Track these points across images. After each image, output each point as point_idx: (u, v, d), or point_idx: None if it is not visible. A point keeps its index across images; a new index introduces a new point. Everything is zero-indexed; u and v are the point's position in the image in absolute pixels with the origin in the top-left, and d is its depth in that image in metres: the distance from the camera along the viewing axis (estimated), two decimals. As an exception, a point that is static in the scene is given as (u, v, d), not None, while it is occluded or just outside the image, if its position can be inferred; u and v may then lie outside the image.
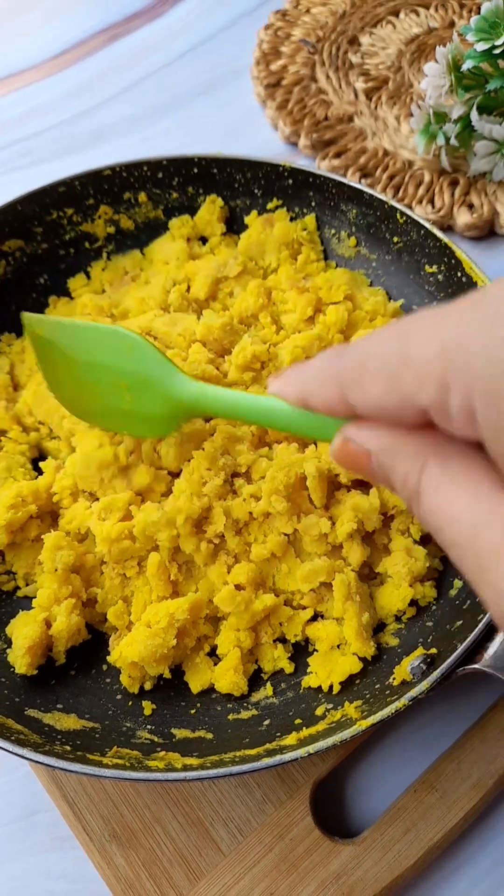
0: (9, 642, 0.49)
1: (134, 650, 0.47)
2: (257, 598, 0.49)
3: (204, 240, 0.67)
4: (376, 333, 0.28)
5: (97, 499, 0.52)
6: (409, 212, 0.60)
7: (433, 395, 0.26)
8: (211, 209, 0.65)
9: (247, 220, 0.66)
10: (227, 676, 0.48)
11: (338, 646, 0.50)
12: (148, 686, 0.49)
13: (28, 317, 0.49)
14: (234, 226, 0.67)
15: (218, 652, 0.50)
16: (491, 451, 0.26)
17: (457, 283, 0.58)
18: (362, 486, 0.52)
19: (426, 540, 0.52)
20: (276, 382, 0.34)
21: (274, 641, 0.50)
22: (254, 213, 0.66)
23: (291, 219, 0.66)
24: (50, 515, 0.54)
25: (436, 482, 0.27)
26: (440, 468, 0.27)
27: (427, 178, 0.76)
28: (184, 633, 0.48)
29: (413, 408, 0.27)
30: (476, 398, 0.25)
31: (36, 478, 0.55)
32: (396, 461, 0.29)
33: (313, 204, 0.65)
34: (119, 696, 0.49)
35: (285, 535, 0.51)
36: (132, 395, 0.46)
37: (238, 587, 0.50)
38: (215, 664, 0.49)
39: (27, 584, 0.53)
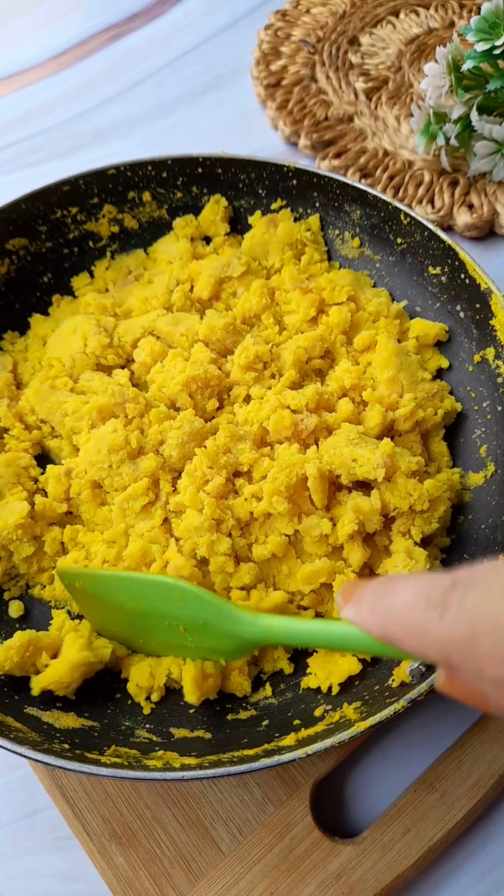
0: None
1: (198, 691, 0.47)
2: (267, 596, 0.50)
3: (208, 239, 0.67)
4: (474, 592, 0.28)
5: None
6: (413, 213, 0.60)
7: (456, 657, 0.27)
8: (215, 209, 0.65)
9: (251, 220, 0.66)
10: (230, 677, 0.48)
11: (338, 647, 0.50)
12: (155, 697, 0.48)
13: (63, 572, 0.48)
14: (237, 226, 0.67)
15: None
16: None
17: (460, 284, 0.58)
18: (363, 487, 0.52)
19: (427, 542, 0.52)
20: (350, 609, 0.33)
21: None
22: (258, 213, 0.66)
23: (295, 219, 0.66)
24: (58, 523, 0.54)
25: None
26: None
27: (427, 178, 0.76)
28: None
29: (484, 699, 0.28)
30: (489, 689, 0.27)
31: (41, 474, 0.55)
32: None
33: (317, 204, 0.65)
34: (118, 695, 0.49)
35: (286, 535, 0.51)
36: (193, 636, 0.45)
37: (243, 588, 0.50)
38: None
39: (28, 587, 0.53)
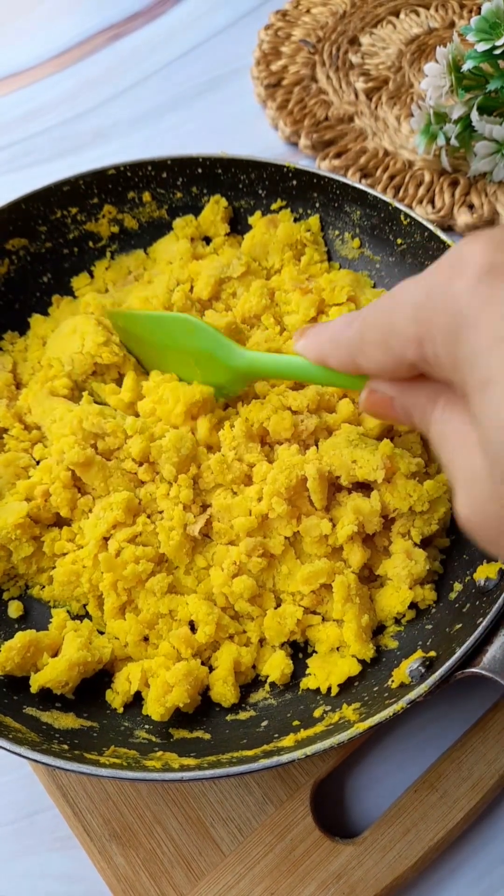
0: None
1: (160, 707, 0.47)
2: (267, 615, 0.50)
3: (208, 240, 0.67)
4: (372, 305, 0.35)
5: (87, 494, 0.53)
6: (413, 213, 0.60)
7: (415, 351, 0.32)
8: (215, 209, 0.65)
9: (251, 220, 0.66)
10: (216, 686, 0.48)
11: (337, 648, 0.50)
12: (166, 717, 0.48)
13: (111, 312, 0.59)
14: (237, 226, 0.67)
15: (213, 663, 0.50)
16: (457, 388, 0.31)
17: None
18: (363, 488, 0.52)
19: (426, 542, 0.52)
20: (299, 342, 0.42)
21: (272, 647, 0.50)
22: (258, 213, 0.66)
23: (295, 220, 0.66)
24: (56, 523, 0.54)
25: (438, 416, 0.34)
26: (443, 406, 0.34)
27: (427, 178, 0.76)
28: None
29: (405, 364, 0.33)
30: (439, 346, 0.30)
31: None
32: (415, 402, 0.35)
33: (317, 205, 0.65)
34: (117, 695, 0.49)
35: (285, 537, 0.51)
36: (201, 368, 0.54)
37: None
38: (211, 671, 0.50)
39: (27, 587, 0.54)
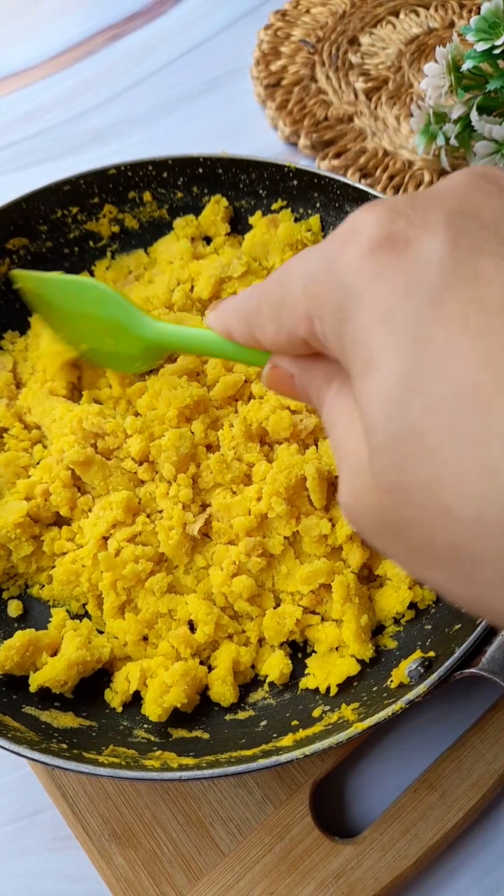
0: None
1: (158, 707, 0.47)
2: (266, 615, 0.50)
3: (208, 240, 0.67)
4: (271, 275, 0.32)
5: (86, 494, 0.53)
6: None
7: (305, 328, 0.29)
8: (215, 209, 0.65)
9: (251, 220, 0.66)
10: (214, 686, 0.48)
11: (336, 648, 0.50)
12: (164, 717, 0.48)
13: (17, 274, 0.56)
14: (238, 226, 0.67)
15: (212, 662, 0.50)
16: (345, 370, 0.28)
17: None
18: None
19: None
20: (209, 315, 0.39)
21: (272, 646, 0.50)
22: (258, 213, 0.66)
23: (296, 220, 0.66)
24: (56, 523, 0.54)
25: (330, 399, 0.31)
26: (337, 388, 0.31)
27: (427, 178, 0.76)
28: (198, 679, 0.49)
29: (298, 340, 0.31)
30: (327, 324, 0.28)
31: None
32: (312, 382, 0.33)
33: (318, 205, 0.65)
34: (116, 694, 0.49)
35: (285, 536, 0.51)
36: (113, 339, 0.51)
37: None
38: (210, 670, 0.50)
39: (27, 586, 0.54)
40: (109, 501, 0.51)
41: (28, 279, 0.55)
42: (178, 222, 0.66)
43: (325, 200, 0.65)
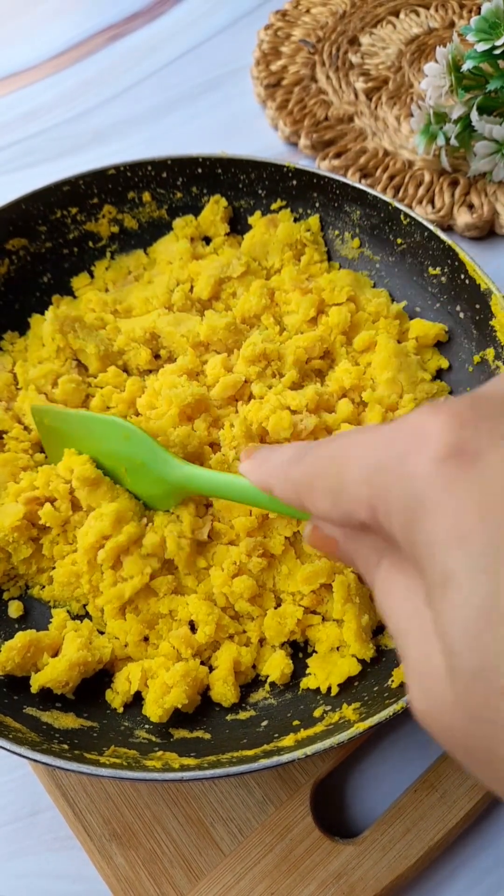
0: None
1: (158, 709, 0.47)
2: (267, 615, 0.50)
3: (207, 240, 0.67)
4: (324, 447, 0.33)
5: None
6: (412, 213, 0.60)
7: (367, 514, 0.29)
8: (214, 209, 0.65)
9: (250, 220, 0.66)
10: (216, 686, 0.48)
11: (337, 647, 0.50)
12: (164, 718, 0.47)
13: (36, 408, 0.55)
14: (237, 226, 0.67)
15: (213, 662, 0.50)
16: (407, 557, 0.28)
17: (460, 285, 0.58)
18: None
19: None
20: (245, 464, 0.40)
21: (272, 646, 0.50)
22: (257, 213, 0.66)
23: (295, 219, 0.66)
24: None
25: (383, 578, 0.31)
26: (387, 567, 0.31)
27: (427, 178, 0.76)
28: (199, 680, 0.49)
29: (356, 521, 0.30)
30: (394, 521, 0.27)
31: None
32: (358, 551, 0.34)
33: (317, 205, 0.65)
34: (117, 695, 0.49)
35: (285, 537, 0.51)
36: (131, 478, 0.51)
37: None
38: (211, 671, 0.49)
39: (27, 587, 0.53)
40: (101, 512, 0.50)
41: (48, 414, 0.54)
42: (178, 222, 0.66)
43: (325, 200, 0.65)
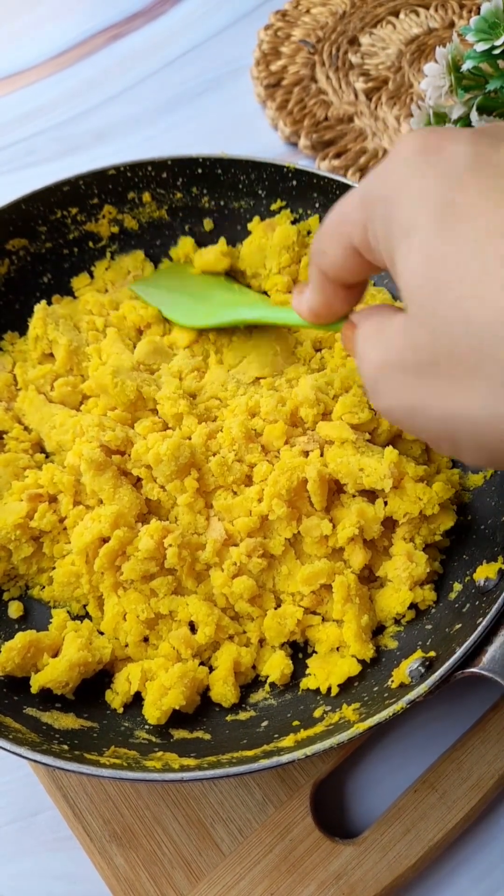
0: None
1: (157, 710, 0.47)
2: (267, 616, 0.50)
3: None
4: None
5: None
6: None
7: (360, 234, 0.35)
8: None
9: (249, 226, 0.66)
10: (215, 687, 0.48)
11: (337, 648, 0.50)
12: (163, 720, 0.47)
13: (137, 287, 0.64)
14: (237, 226, 0.67)
15: (213, 663, 0.50)
16: (387, 266, 0.34)
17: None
18: (368, 493, 0.52)
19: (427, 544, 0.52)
20: (295, 299, 0.45)
21: (272, 647, 0.50)
22: (256, 219, 0.66)
23: (295, 220, 0.66)
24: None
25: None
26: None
27: (427, 178, 0.76)
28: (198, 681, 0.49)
29: (352, 251, 0.37)
30: (378, 223, 0.33)
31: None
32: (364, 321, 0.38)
33: (317, 205, 0.65)
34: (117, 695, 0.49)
35: (286, 538, 0.51)
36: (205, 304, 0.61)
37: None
38: (211, 671, 0.49)
39: (27, 587, 0.54)
40: (99, 514, 0.50)
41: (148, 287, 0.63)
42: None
43: (325, 201, 0.65)
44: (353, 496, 0.52)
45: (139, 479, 0.53)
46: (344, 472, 0.50)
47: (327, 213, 0.38)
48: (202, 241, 0.67)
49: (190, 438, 0.53)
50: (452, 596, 0.50)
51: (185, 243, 0.66)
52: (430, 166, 0.31)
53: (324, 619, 0.51)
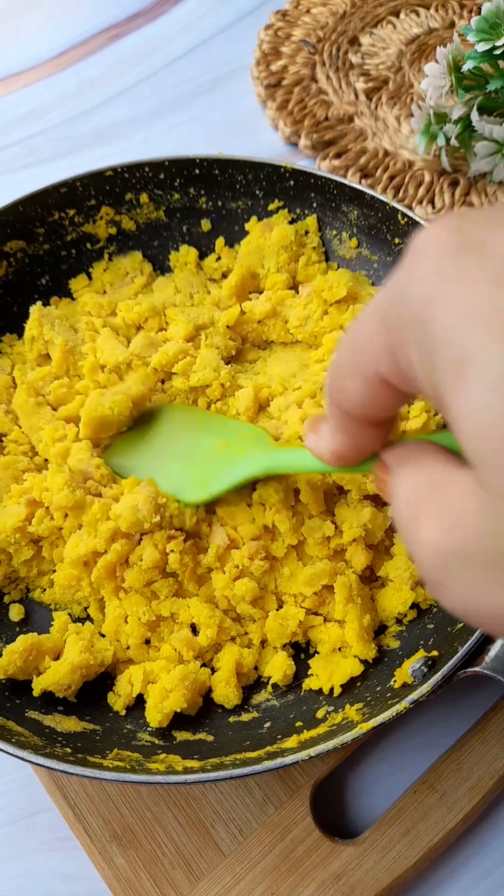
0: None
1: (158, 714, 0.47)
2: (268, 617, 0.50)
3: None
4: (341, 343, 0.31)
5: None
6: (410, 213, 0.60)
7: (388, 363, 0.27)
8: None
9: (247, 227, 0.66)
10: (218, 688, 0.48)
11: (339, 648, 0.50)
12: (165, 723, 0.47)
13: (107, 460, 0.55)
14: (235, 227, 0.67)
15: (215, 664, 0.50)
16: (430, 399, 0.26)
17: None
18: (373, 498, 0.52)
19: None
20: (309, 439, 0.36)
21: (274, 648, 0.50)
22: (253, 219, 0.66)
23: (293, 220, 0.66)
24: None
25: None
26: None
27: (427, 178, 0.76)
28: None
29: (379, 383, 0.28)
30: (411, 347, 0.25)
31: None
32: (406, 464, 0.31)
33: (315, 205, 0.65)
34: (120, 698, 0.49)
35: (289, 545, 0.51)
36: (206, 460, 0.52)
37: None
38: (213, 672, 0.49)
39: (28, 590, 0.54)
40: (96, 529, 0.50)
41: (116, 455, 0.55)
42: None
43: (322, 201, 0.65)
44: (360, 500, 0.51)
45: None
46: (348, 477, 0.50)
47: (338, 343, 0.31)
48: (200, 241, 0.67)
49: None
50: (453, 596, 0.50)
51: (188, 252, 0.66)
52: (478, 268, 0.24)
53: (326, 620, 0.51)
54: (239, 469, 0.49)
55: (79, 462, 0.52)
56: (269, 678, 0.49)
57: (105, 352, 0.58)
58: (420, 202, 0.75)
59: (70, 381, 0.58)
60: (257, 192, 0.66)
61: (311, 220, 0.65)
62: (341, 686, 0.48)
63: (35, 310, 0.59)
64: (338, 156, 0.80)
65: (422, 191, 0.76)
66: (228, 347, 0.59)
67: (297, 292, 0.63)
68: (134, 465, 0.54)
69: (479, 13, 0.70)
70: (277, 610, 0.50)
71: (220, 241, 0.66)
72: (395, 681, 0.46)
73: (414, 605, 0.50)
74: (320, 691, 0.48)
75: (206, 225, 0.67)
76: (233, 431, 0.53)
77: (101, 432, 0.54)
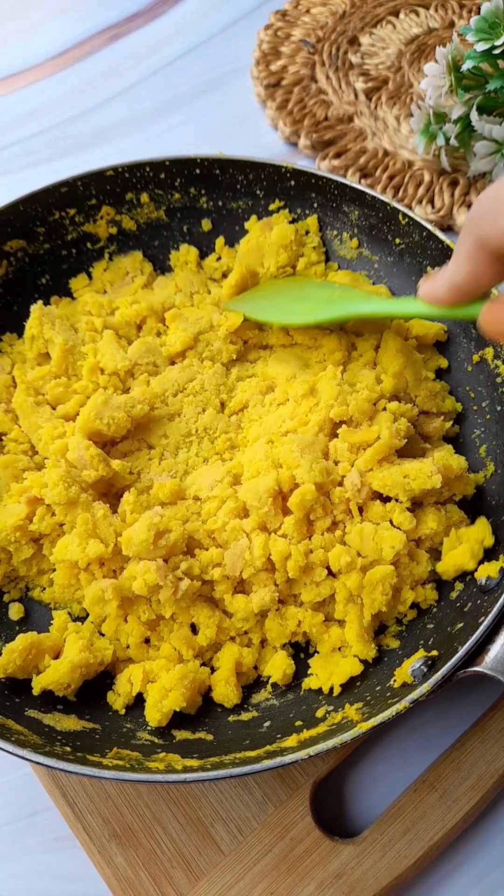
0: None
1: (157, 713, 0.47)
2: (268, 617, 0.50)
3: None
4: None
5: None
6: (411, 213, 0.60)
7: None
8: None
9: (247, 225, 0.66)
10: (217, 687, 0.48)
11: (339, 648, 0.50)
12: (164, 722, 0.47)
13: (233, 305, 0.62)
14: (235, 227, 0.67)
15: (214, 663, 0.50)
16: None
17: (457, 284, 0.58)
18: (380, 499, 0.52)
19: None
20: (424, 285, 0.43)
21: (274, 647, 0.50)
22: (253, 217, 0.66)
23: (294, 220, 0.66)
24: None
25: None
26: None
27: (427, 178, 0.76)
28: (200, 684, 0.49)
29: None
30: None
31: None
32: None
33: (315, 205, 0.65)
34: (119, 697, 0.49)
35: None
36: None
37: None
38: (213, 672, 0.50)
39: (28, 589, 0.54)
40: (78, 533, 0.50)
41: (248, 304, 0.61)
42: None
43: (323, 201, 0.65)
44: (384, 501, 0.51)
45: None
46: (390, 483, 0.50)
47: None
48: (200, 241, 0.67)
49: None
50: (454, 595, 0.50)
51: (189, 252, 0.66)
52: None
53: (326, 620, 0.51)
54: (351, 306, 0.56)
55: (74, 450, 0.52)
56: (269, 677, 0.49)
57: (106, 356, 0.58)
58: (420, 202, 0.75)
59: (68, 381, 0.58)
60: (258, 192, 0.66)
61: (311, 221, 0.65)
62: (341, 685, 0.48)
63: (35, 309, 0.59)
64: (337, 156, 0.80)
65: (421, 190, 0.76)
66: (229, 352, 0.59)
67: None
68: (253, 306, 0.61)
69: (479, 13, 0.70)
70: (277, 610, 0.50)
71: (220, 241, 0.66)
72: (394, 680, 0.46)
73: (414, 605, 0.50)
74: (320, 691, 0.48)
75: (206, 225, 0.67)
76: (344, 289, 0.59)
77: (93, 438, 0.54)
